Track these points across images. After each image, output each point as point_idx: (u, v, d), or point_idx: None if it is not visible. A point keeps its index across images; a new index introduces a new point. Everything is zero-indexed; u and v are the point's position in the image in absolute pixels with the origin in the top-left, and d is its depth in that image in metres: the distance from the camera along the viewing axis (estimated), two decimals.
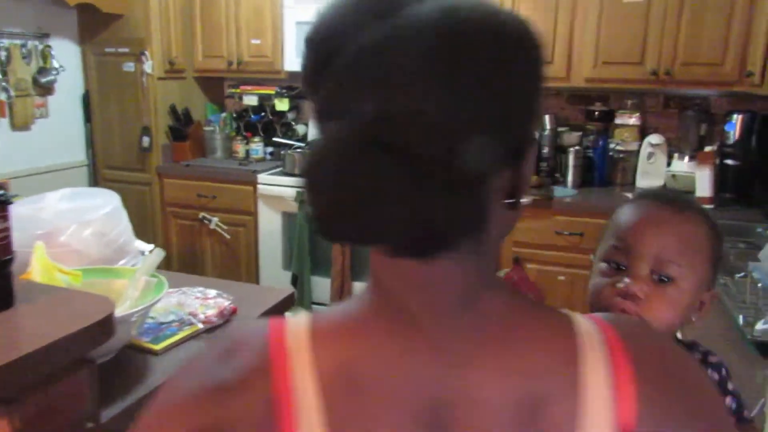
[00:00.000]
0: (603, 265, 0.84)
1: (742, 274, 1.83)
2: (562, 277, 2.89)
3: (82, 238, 1.44)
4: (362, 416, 0.50)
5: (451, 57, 0.43)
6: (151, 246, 1.73)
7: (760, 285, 1.38)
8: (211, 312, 1.42)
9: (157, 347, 1.32)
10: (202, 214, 3.57)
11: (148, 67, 3.44)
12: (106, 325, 0.96)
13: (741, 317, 1.43)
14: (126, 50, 3.50)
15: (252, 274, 3.57)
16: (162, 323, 1.42)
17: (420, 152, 0.43)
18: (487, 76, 0.44)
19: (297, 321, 0.54)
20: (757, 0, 2.67)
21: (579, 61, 3.01)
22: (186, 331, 1.39)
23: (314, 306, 3.37)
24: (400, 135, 0.43)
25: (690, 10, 2.80)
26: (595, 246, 0.89)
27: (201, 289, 1.50)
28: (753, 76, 2.55)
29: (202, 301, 1.45)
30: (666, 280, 0.79)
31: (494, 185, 0.47)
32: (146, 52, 3.43)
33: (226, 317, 1.44)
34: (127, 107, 3.60)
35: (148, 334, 1.37)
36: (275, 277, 3.48)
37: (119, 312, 1.11)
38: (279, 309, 1.61)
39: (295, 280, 3.35)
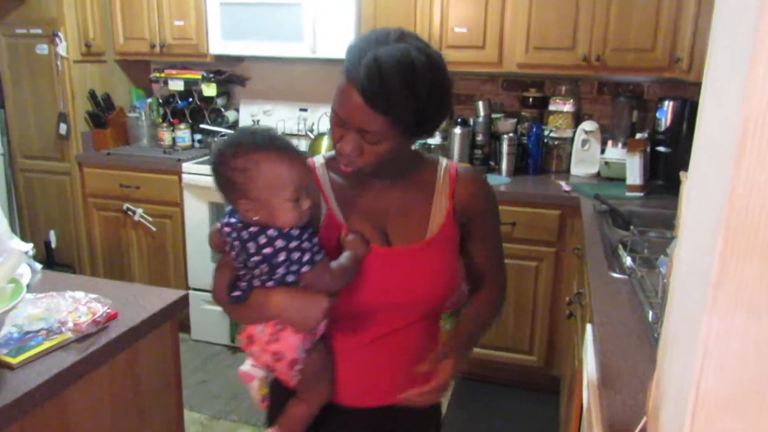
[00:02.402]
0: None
1: None
2: None
3: None
4: None
5: None
6: (30, 246, 1.59)
7: (665, 281, 1.33)
8: (83, 319, 1.29)
9: (15, 360, 1.19)
10: (125, 205, 3.39)
11: (62, 49, 3.22)
12: None
13: (651, 313, 1.38)
14: (38, 31, 3.26)
15: (180, 267, 3.42)
16: (28, 333, 1.28)
17: None
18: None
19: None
20: None
21: (511, 47, 2.93)
22: (52, 341, 1.26)
23: None
24: None
25: None
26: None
27: (73, 292, 1.36)
28: (681, 62, 2.52)
29: (74, 306, 1.32)
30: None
31: None
32: (59, 34, 3.21)
33: (101, 324, 1.31)
34: (41, 92, 3.37)
35: (8, 345, 1.23)
36: (204, 270, 3.33)
37: None
38: (168, 312, 1.49)
39: None
